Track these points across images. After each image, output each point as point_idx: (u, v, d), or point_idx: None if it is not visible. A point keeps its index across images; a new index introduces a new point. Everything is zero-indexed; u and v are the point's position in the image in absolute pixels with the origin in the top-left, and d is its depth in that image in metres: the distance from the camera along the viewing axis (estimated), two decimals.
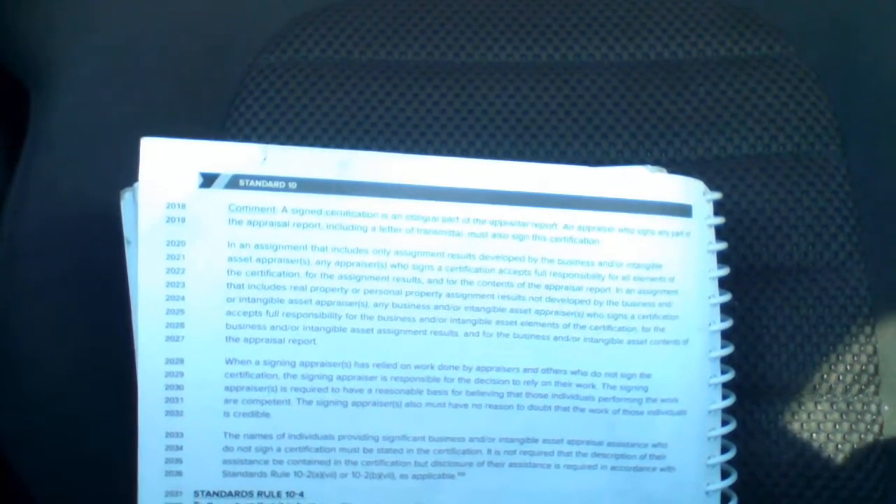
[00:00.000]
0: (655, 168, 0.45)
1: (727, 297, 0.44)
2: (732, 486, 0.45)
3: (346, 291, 0.41)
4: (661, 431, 0.44)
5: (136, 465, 0.41)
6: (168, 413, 0.40)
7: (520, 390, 0.43)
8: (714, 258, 0.44)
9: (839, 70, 0.50)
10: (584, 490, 0.44)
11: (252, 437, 0.41)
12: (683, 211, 0.44)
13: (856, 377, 0.47)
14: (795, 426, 0.46)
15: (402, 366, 0.42)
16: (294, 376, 0.41)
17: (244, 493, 0.41)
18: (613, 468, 0.44)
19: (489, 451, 0.43)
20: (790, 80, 0.50)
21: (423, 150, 0.48)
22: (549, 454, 0.43)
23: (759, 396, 0.47)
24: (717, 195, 0.45)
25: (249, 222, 0.41)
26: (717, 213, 0.45)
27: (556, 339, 0.43)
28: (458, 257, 0.42)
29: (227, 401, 0.41)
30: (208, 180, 0.40)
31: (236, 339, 0.41)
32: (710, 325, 0.44)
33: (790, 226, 0.48)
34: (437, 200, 0.42)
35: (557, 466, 0.43)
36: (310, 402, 0.41)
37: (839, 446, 0.46)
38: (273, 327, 0.41)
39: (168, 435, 0.41)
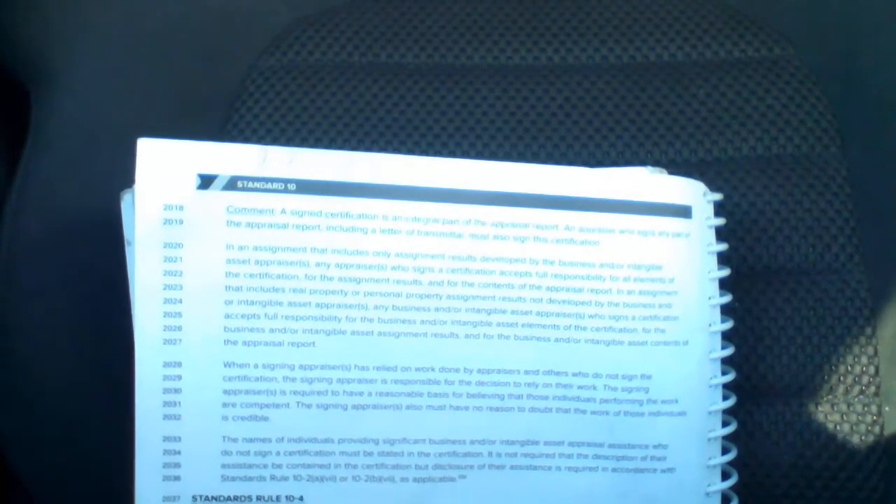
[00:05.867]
0: (656, 169, 0.45)
1: (728, 298, 0.44)
2: (733, 487, 0.45)
3: (345, 294, 0.41)
4: (661, 433, 0.43)
5: (134, 468, 0.41)
6: (166, 417, 0.40)
7: (521, 392, 0.43)
8: (714, 259, 0.44)
9: (839, 72, 0.50)
10: (585, 492, 0.44)
11: (251, 440, 0.41)
12: (684, 212, 0.44)
13: (856, 378, 0.47)
14: (796, 427, 0.46)
15: (402, 368, 0.42)
16: (293, 379, 0.41)
17: (243, 498, 0.41)
18: (614, 470, 0.44)
19: (490, 454, 0.43)
20: (790, 82, 0.50)
21: (424, 152, 0.48)
22: (550, 456, 0.43)
23: (760, 397, 0.47)
24: (718, 196, 0.45)
25: (248, 224, 0.41)
26: (717, 214, 0.45)
27: (556, 340, 0.43)
28: (459, 259, 0.42)
29: (225, 404, 0.41)
30: (206, 182, 0.40)
31: (234, 342, 0.40)
32: (710, 325, 0.44)
33: (791, 227, 0.48)
34: (437, 202, 0.42)
35: (559, 468, 0.43)
36: (309, 406, 0.41)
37: (840, 447, 0.46)
38: (272, 330, 0.41)
39: (166, 439, 0.40)
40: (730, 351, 0.44)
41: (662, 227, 0.43)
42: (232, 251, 0.41)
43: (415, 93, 0.49)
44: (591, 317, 0.43)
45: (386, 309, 0.41)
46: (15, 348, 0.47)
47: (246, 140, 0.48)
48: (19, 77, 0.51)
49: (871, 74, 0.51)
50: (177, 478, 0.41)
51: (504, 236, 0.42)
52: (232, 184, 0.41)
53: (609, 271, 0.43)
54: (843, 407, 0.47)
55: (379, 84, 0.49)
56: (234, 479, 0.41)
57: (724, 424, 0.44)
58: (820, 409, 0.47)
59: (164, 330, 0.40)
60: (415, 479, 0.42)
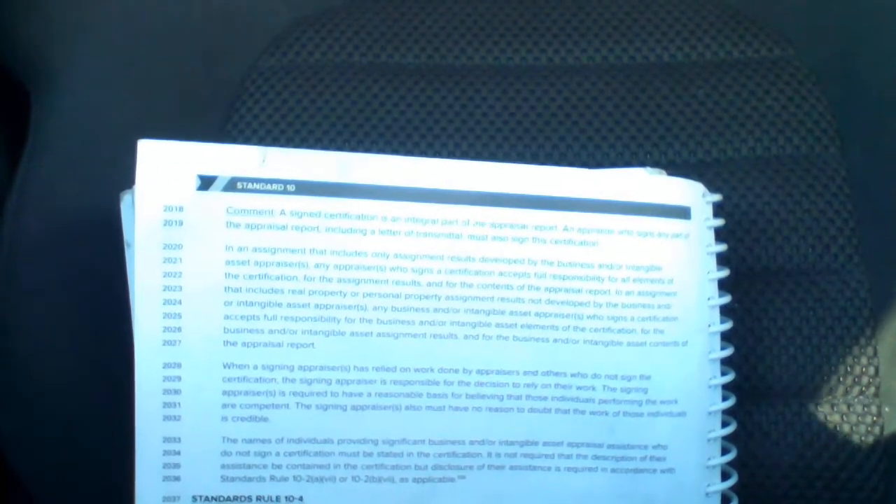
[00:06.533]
0: (655, 170, 0.45)
1: (727, 299, 0.44)
2: (733, 488, 0.45)
3: (344, 295, 0.41)
4: (661, 433, 0.43)
5: (134, 468, 0.41)
6: (166, 418, 0.40)
7: (520, 393, 0.43)
8: (714, 260, 0.44)
9: (839, 72, 0.50)
10: (585, 492, 0.44)
11: (250, 441, 0.41)
12: (683, 213, 0.44)
13: (856, 379, 0.47)
14: (796, 428, 0.46)
15: (401, 369, 0.42)
16: (293, 380, 0.41)
17: (243, 498, 0.41)
18: (614, 470, 0.44)
19: (489, 455, 0.43)
20: (790, 82, 0.50)
21: (423, 153, 0.48)
22: (549, 457, 0.43)
23: (760, 398, 0.47)
24: (717, 197, 0.45)
25: (247, 225, 0.41)
26: (717, 214, 0.45)
27: (555, 341, 0.43)
28: (458, 260, 0.42)
29: (225, 405, 0.41)
30: (206, 183, 0.40)
31: (234, 343, 0.41)
32: (709, 326, 0.44)
33: (790, 228, 0.48)
34: (436, 203, 0.42)
35: (558, 469, 0.43)
36: (308, 407, 0.41)
37: (840, 448, 0.46)
38: (271, 331, 0.41)
39: (166, 440, 0.40)
40: (729, 351, 0.44)
41: (661, 228, 0.43)
42: (231, 252, 0.41)
43: (415, 93, 0.49)
44: (589, 317, 0.43)
45: (385, 310, 0.41)
46: (15, 348, 0.47)
47: (246, 140, 0.48)
48: (19, 77, 0.51)
49: (870, 75, 0.51)
50: (177, 478, 0.41)
51: (503, 237, 0.42)
52: (232, 185, 0.41)
53: (608, 272, 0.43)
54: (843, 407, 0.47)
55: (379, 84, 0.49)
56: (233, 479, 0.41)
57: (724, 425, 0.44)
58: (820, 409, 0.47)
59: (164, 331, 0.40)
60: (414, 480, 0.42)
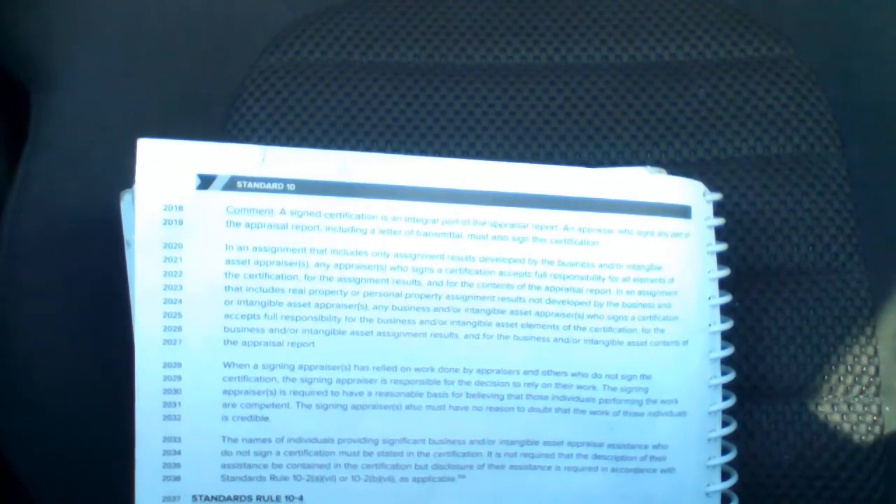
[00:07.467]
0: (655, 169, 0.45)
1: (727, 298, 0.44)
2: (733, 488, 0.44)
3: (345, 294, 0.41)
4: (661, 433, 0.43)
5: (134, 468, 0.41)
6: (166, 417, 0.40)
7: (520, 392, 0.43)
8: (714, 259, 0.44)
9: (839, 72, 0.50)
10: (585, 492, 0.43)
11: (251, 441, 0.41)
12: (683, 212, 0.44)
13: (856, 378, 0.47)
14: (796, 427, 0.46)
15: (401, 368, 0.42)
16: (293, 379, 0.41)
17: (243, 498, 0.41)
18: (614, 470, 0.43)
19: (489, 454, 0.43)
20: (790, 81, 0.50)
21: (424, 152, 0.48)
22: (549, 456, 0.43)
23: (760, 397, 0.47)
24: (717, 196, 0.45)
25: (247, 224, 0.41)
26: (717, 214, 0.45)
27: (556, 340, 0.43)
28: (458, 259, 0.42)
29: (225, 404, 0.41)
30: (206, 182, 0.40)
31: (234, 343, 0.40)
32: (710, 326, 0.44)
33: (790, 227, 0.48)
34: (436, 202, 0.42)
35: (558, 468, 0.43)
36: (309, 406, 0.41)
37: (840, 447, 0.46)
38: (272, 330, 0.41)
39: (166, 439, 0.40)
40: (730, 351, 0.44)
41: (662, 227, 0.43)
42: (231, 251, 0.41)
43: (415, 92, 0.49)
44: (590, 317, 0.43)
45: (385, 309, 0.41)
46: (15, 348, 0.47)
47: (246, 140, 0.48)
48: (19, 77, 0.51)
49: (870, 74, 0.51)
50: (177, 478, 0.41)
51: (503, 236, 0.42)
52: (232, 184, 0.41)
53: (608, 271, 0.43)
54: (844, 407, 0.47)
55: (379, 84, 0.49)
56: (234, 479, 0.41)
57: (724, 424, 0.44)
58: (820, 409, 0.47)
59: (164, 330, 0.40)
60: (414, 479, 0.42)
